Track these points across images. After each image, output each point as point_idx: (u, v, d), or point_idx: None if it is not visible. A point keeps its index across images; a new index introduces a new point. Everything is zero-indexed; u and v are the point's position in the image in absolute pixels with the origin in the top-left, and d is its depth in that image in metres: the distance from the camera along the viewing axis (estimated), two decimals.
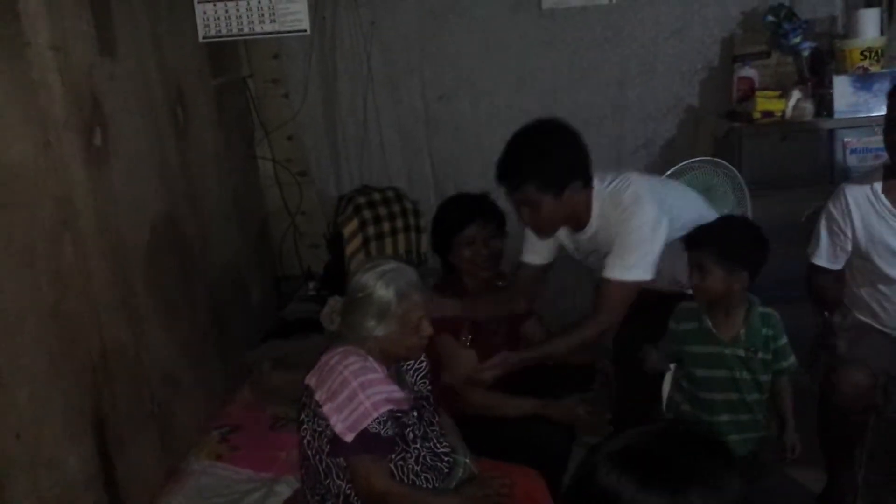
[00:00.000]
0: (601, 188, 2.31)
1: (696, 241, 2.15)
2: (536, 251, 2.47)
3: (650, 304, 2.30)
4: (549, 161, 2.20)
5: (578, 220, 2.33)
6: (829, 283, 2.55)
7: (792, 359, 2.17)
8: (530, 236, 2.44)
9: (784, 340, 2.17)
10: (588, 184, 2.29)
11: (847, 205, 2.44)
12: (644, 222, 2.23)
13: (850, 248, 2.47)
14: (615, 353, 2.54)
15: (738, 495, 1.06)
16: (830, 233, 2.49)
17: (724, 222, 2.26)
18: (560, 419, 2.36)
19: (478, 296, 2.48)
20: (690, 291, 2.25)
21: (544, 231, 2.36)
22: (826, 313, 2.59)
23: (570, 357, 2.44)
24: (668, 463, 1.07)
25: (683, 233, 2.25)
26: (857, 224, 2.43)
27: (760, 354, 2.15)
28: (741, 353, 2.15)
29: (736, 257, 2.10)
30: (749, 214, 2.80)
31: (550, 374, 2.52)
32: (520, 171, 2.21)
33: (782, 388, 2.20)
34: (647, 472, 1.06)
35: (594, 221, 2.32)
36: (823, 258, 2.52)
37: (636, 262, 2.24)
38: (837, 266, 2.52)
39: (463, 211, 2.52)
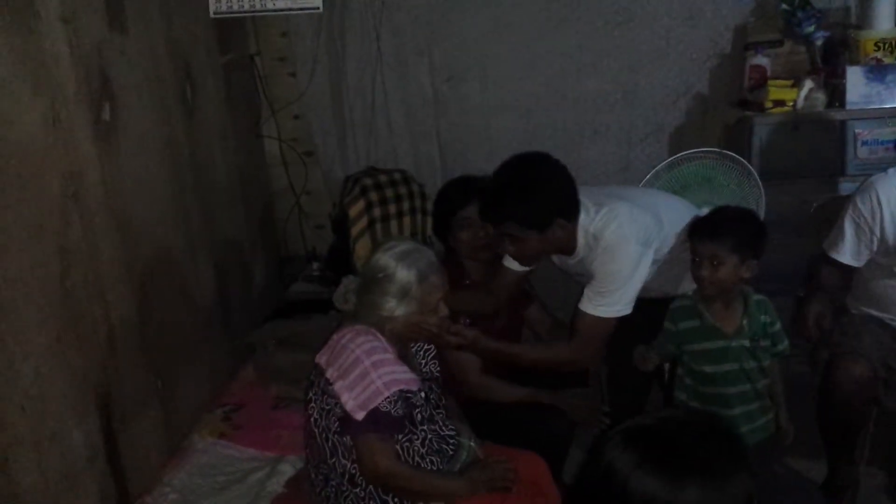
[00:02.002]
0: (586, 221, 2.25)
1: (709, 233, 2.13)
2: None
3: (638, 305, 2.29)
4: (534, 200, 2.15)
5: (564, 250, 2.31)
6: (840, 277, 2.52)
7: (786, 342, 2.21)
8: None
9: (779, 325, 2.20)
10: (574, 218, 2.24)
11: (878, 201, 2.35)
12: (624, 265, 2.20)
13: (876, 246, 2.39)
14: (607, 353, 2.54)
15: (742, 492, 1.05)
16: (857, 230, 2.41)
17: (728, 213, 2.23)
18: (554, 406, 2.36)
19: (455, 291, 2.45)
20: (681, 292, 2.26)
21: (528, 263, 2.35)
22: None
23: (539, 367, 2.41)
24: (676, 449, 1.06)
25: (669, 246, 2.27)
26: (888, 221, 2.34)
27: (762, 342, 2.17)
28: (746, 343, 2.15)
29: (749, 245, 2.11)
30: (762, 207, 2.78)
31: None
32: (504, 209, 2.17)
33: (774, 372, 2.22)
34: (651, 454, 1.05)
35: (580, 251, 2.29)
36: (847, 255, 2.44)
37: (616, 300, 2.22)
38: (860, 263, 2.45)
39: (462, 192, 2.52)
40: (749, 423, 2.18)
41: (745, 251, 2.10)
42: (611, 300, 2.22)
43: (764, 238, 2.16)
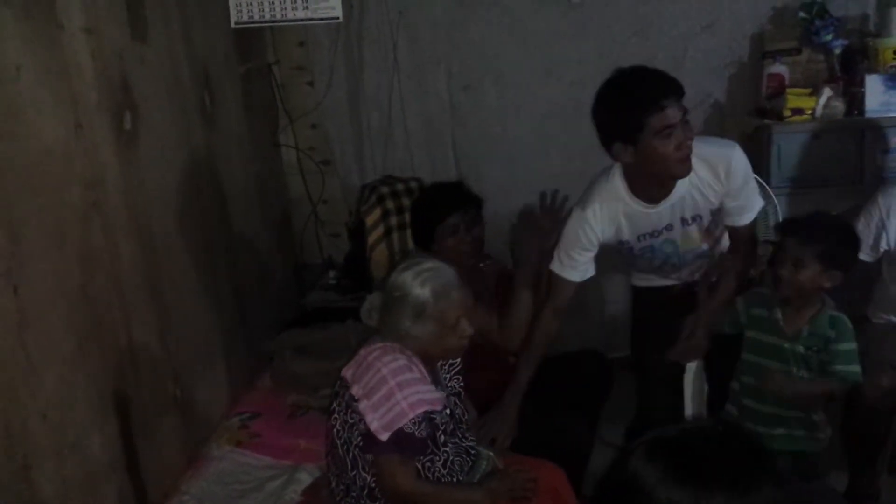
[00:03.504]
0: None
1: (799, 234, 2.11)
2: (577, 268, 2.33)
3: (664, 302, 2.29)
4: (596, 115, 2.22)
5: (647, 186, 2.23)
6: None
7: (853, 367, 2.11)
8: (571, 255, 2.32)
9: (848, 346, 2.12)
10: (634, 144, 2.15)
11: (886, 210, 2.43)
12: (746, 165, 2.25)
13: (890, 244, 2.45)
14: (635, 357, 2.53)
15: (766, 501, 1.04)
16: (867, 225, 2.47)
17: (823, 219, 2.20)
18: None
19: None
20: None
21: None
22: None
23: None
24: (700, 461, 1.05)
25: None
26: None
27: (821, 355, 2.13)
28: (800, 349, 2.13)
29: (837, 257, 2.08)
30: (777, 218, 2.78)
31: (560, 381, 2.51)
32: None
33: (829, 384, 2.16)
34: (676, 466, 1.04)
35: (680, 185, 2.22)
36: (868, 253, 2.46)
37: (758, 195, 2.33)
38: (874, 257, 2.49)
39: (443, 201, 2.52)
40: (786, 427, 2.17)
41: (830, 261, 2.07)
42: (757, 197, 2.31)
43: (853, 252, 2.14)
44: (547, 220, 2.36)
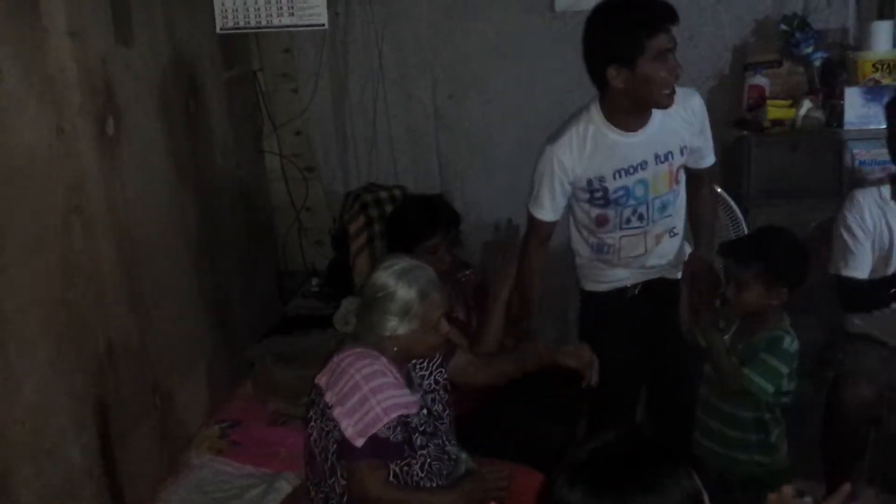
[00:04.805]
0: None
1: (737, 254, 2.09)
2: (550, 208, 2.34)
3: (616, 309, 2.36)
4: (585, 39, 2.23)
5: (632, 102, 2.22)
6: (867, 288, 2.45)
7: (764, 382, 2.03)
8: (541, 194, 2.33)
9: (774, 362, 2.05)
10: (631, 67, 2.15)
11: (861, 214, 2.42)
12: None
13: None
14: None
15: (686, 494, 1.11)
16: (856, 238, 2.42)
17: (766, 235, 2.18)
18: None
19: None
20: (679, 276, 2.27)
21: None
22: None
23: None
24: (613, 475, 1.13)
25: None
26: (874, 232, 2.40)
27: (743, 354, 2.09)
28: (734, 360, 2.09)
29: (779, 274, 2.03)
30: (744, 230, 2.81)
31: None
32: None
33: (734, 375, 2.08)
34: (594, 485, 1.12)
35: (655, 116, 2.24)
36: (861, 267, 2.42)
37: None
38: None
39: (425, 219, 2.50)
40: (722, 446, 2.16)
41: (774, 279, 2.03)
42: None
43: (799, 266, 2.08)
44: (506, 250, 2.43)
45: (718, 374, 2.12)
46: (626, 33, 2.10)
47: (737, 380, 2.06)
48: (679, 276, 2.40)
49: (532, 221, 2.37)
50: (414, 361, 2.03)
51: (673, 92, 2.16)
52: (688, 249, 2.49)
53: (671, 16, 2.12)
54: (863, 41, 3.16)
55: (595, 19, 2.18)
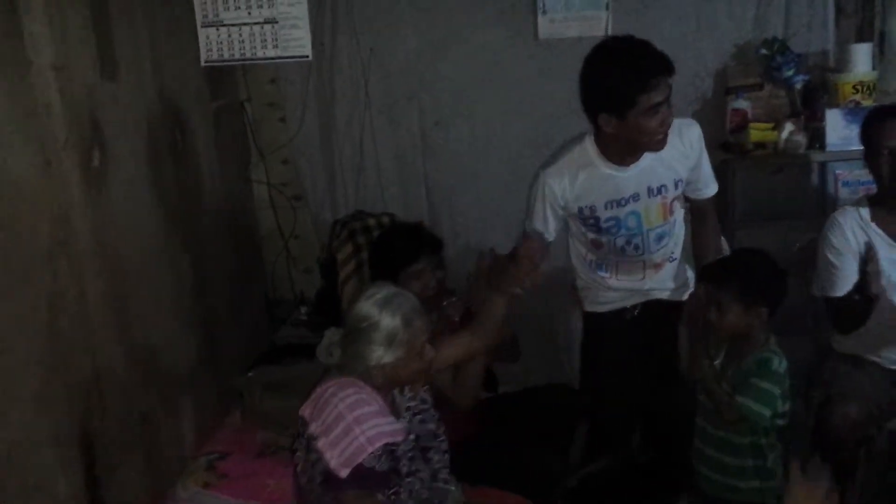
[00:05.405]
0: None
1: (714, 277, 2.11)
2: (548, 231, 2.36)
3: (617, 329, 2.34)
4: (583, 84, 2.23)
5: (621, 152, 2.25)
6: (858, 305, 2.43)
7: (761, 407, 2.03)
8: (533, 218, 2.36)
9: (766, 385, 2.05)
10: (621, 117, 2.17)
11: (844, 235, 2.43)
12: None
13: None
14: (585, 386, 2.53)
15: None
16: (841, 258, 2.43)
17: (741, 256, 2.21)
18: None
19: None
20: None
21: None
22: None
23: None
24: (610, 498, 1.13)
25: None
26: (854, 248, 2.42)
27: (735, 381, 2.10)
28: (725, 387, 2.10)
29: (756, 293, 2.05)
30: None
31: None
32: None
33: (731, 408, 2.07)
34: None
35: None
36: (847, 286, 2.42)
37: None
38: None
39: (409, 245, 2.53)
40: (715, 472, 2.16)
41: (752, 299, 2.05)
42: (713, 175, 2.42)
43: (776, 285, 2.10)
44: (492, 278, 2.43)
45: (713, 404, 2.13)
46: (618, 87, 2.10)
47: (731, 410, 2.07)
48: (677, 296, 2.41)
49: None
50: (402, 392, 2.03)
51: (664, 138, 2.18)
52: (689, 271, 2.48)
53: (666, 68, 2.13)
54: (843, 63, 3.20)
55: (592, 63, 2.19)
